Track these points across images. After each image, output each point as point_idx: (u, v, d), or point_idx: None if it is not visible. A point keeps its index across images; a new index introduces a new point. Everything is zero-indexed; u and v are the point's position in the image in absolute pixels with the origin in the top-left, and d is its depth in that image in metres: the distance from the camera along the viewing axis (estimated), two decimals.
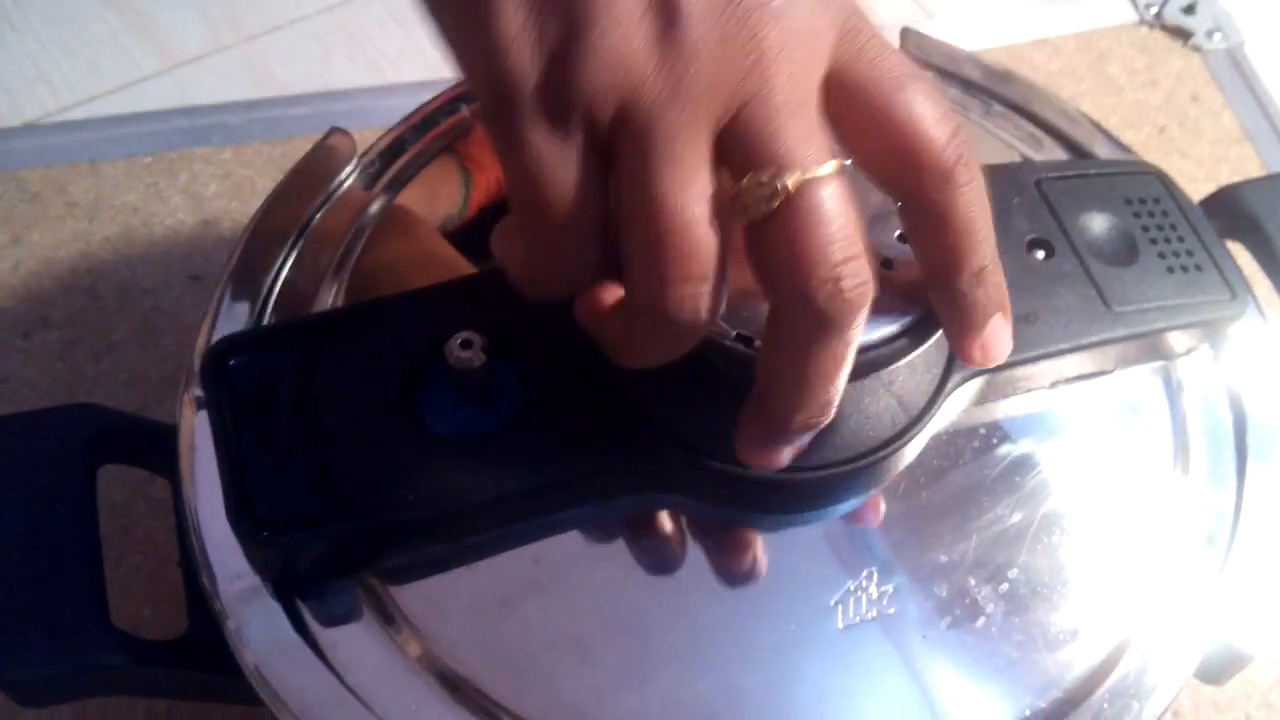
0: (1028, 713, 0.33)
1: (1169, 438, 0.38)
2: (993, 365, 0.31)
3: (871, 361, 0.30)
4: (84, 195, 0.60)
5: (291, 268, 0.39)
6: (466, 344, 0.31)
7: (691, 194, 0.26)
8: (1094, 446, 0.38)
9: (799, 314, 0.27)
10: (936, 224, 0.28)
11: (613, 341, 0.30)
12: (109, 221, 0.59)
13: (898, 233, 0.31)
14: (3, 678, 0.33)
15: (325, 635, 0.33)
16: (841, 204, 0.26)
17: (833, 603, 0.33)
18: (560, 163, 0.27)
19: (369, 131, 0.42)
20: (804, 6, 0.27)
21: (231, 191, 0.61)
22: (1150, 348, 0.38)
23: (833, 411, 0.29)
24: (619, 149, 0.27)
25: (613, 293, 0.30)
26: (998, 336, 0.31)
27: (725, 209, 0.27)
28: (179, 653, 0.35)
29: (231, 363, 0.33)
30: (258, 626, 0.32)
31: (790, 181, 0.26)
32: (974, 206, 0.28)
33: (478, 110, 0.27)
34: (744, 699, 0.32)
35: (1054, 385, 0.37)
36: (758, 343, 0.28)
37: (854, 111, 0.28)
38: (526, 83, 0.26)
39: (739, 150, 0.26)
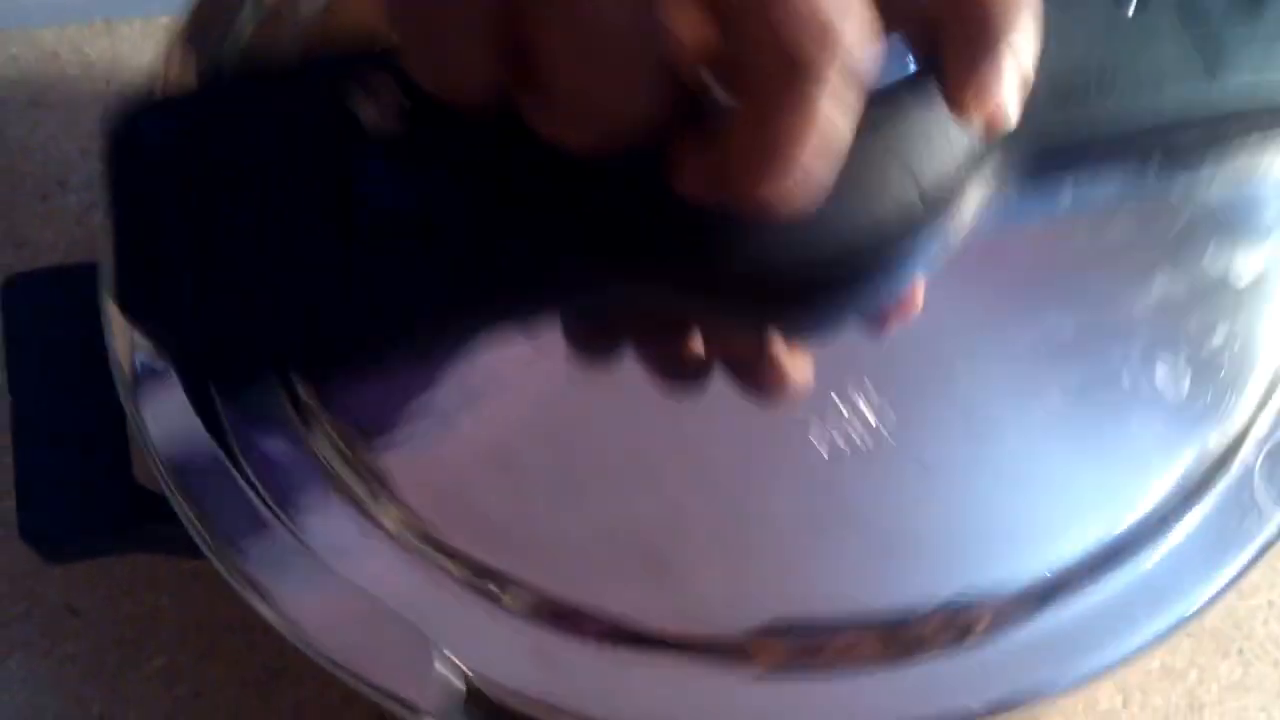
0: (1049, 574, 0.28)
1: (1271, 250, 0.31)
2: (996, 129, 0.25)
3: (873, 121, 0.23)
4: (101, 55, 0.58)
5: (248, 21, 0.34)
6: (399, 109, 0.28)
7: None
8: (1171, 254, 0.30)
9: (765, 58, 0.21)
10: None
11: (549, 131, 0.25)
12: (127, 83, 0.58)
13: None
14: (27, 531, 0.33)
15: (243, 433, 0.30)
16: None
17: (812, 421, 0.28)
18: None
19: None
20: None
21: None
22: (1264, 131, 0.30)
23: (818, 187, 0.23)
24: None
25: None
26: (1013, 97, 0.24)
27: None
28: None
29: (140, 128, 0.30)
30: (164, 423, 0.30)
31: None
32: None
33: None
34: (691, 526, 0.28)
35: (1127, 174, 0.30)
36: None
37: None
38: None
39: None
